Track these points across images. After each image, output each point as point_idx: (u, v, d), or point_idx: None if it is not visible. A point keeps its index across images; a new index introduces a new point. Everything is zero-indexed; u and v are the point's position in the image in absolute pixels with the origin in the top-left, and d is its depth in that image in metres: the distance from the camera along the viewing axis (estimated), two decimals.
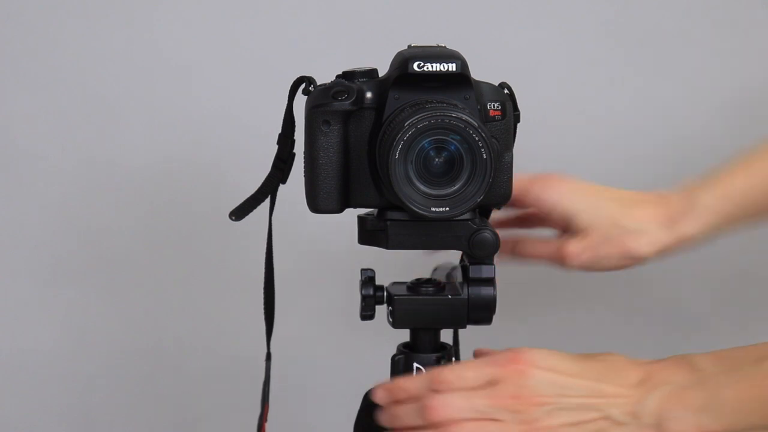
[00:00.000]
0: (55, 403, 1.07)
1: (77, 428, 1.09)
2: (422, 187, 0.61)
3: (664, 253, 0.72)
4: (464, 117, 0.58)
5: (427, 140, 0.60)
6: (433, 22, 0.98)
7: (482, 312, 0.64)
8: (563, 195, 0.72)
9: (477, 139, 0.58)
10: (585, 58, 1.08)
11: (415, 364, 0.66)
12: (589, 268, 0.72)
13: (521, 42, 1.05)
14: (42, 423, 1.09)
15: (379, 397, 0.63)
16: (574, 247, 0.71)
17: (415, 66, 0.60)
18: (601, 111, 1.11)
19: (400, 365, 0.66)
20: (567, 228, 0.73)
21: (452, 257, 0.70)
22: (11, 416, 1.09)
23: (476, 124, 0.57)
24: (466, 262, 0.65)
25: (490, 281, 0.63)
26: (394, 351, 0.68)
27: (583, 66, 1.08)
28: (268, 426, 0.71)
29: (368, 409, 0.66)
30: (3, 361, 1.07)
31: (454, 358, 0.68)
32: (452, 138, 0.59)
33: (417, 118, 0.58)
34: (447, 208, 0.60)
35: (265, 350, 0.70)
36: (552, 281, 1.12)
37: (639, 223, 0.72)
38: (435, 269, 0.71)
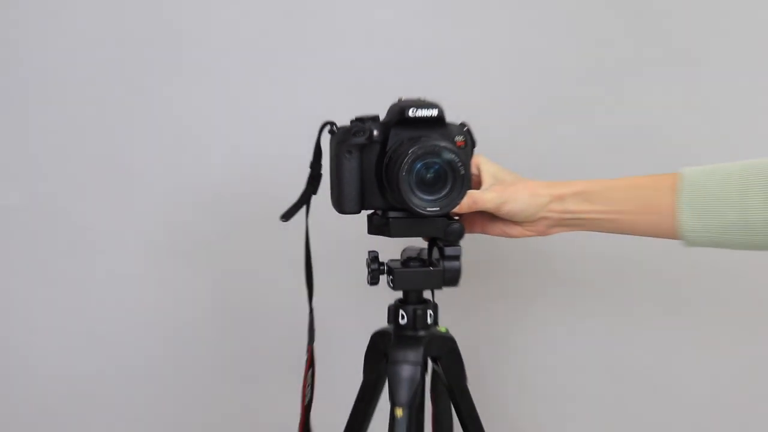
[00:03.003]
0: (155, 347, 1.38)
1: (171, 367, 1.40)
2: (420, 194, 0.81)
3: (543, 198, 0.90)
4: (447, 146, 0.80)
5: (420, 162, 0.81)
6: (410, 78, 1.22)
7: (453, 278, 0.87)
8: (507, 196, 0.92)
9: (457, 161, 0.80)
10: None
11: (401, 311, 0.88)
12: (509, 211, 0.90)
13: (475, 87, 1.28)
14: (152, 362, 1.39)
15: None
16: (491, 195, 0.89)
17: (409, 112, 0.83)
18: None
19: (392, 311, 0.89)
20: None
21: (418, 243, 0.93)
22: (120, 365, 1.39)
23: (455, 151, 0.79)
24: (440, 245, 0.87)
25: (458, 257, 0.86)
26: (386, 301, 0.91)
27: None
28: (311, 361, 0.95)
29: (374, 345, 0.91)
30: (120, 317, 1.37)
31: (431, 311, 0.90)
32: (442, 162, 0.80)
33: (417, 147, 0.79)
34: (438, 209, 0.82)
35: (308, 308, 0.92)
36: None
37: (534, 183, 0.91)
38: (404, 250, 0.92)
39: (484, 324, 1.37)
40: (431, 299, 0.93)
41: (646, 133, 1.36)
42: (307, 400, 0.94)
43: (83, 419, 1.44)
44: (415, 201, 0.81)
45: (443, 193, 0.83)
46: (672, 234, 0.86)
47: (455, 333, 0.94)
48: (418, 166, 0.81)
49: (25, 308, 1.41)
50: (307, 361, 0.94)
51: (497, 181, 0.89)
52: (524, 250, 1.36)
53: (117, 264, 1.36)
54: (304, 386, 0.95)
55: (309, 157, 0.89)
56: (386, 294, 0.91)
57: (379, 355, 0.91)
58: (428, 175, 0.82)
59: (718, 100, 1.37)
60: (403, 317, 0.88)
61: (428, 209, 0.82)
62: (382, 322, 0.94)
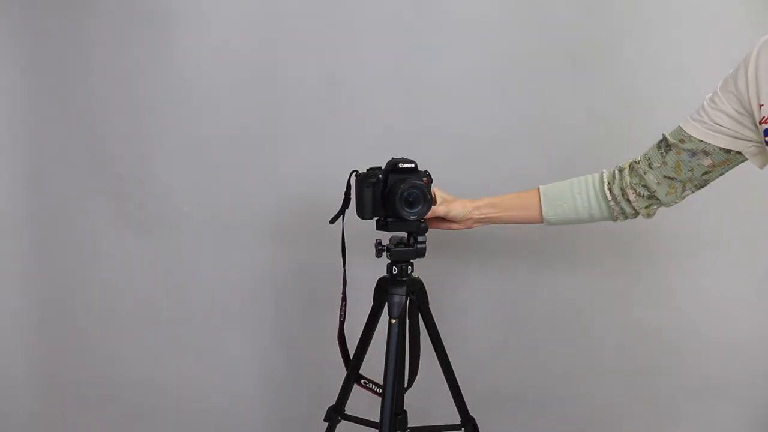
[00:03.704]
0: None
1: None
2: (406, 209, 1.40)
3: (470, 209, 1.49)
4: (420, 183, 1.40)
5: (406, 192, 1.39)
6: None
7: (421, 253, 1.46)
8: (450, 208, 1.51)
9: (426, 191, 1.40)
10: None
11: (393, 267, 1.43)
12: (452, 216, 1.48)
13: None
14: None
15: None
16: (441, 207, 1.47)
17: (399, 165, 1.43)
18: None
19: (389, 267, 1.44)
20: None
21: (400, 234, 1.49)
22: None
23: (424, 185, 1.40)
24: (415, 236, 1.45)
25: (424, 242, 1.46)
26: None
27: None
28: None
29: (378, 285, 1.48)
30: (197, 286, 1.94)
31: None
32: (417, 191, 1.39)
33: (405, 184, 1.39)
34: (416, 216, 1.40)
35: (342, 270, 1.52)
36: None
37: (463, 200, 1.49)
38: (391, 238, 1.48)
39: (436, 275, 1.74)
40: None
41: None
42: (341, 318, 1.57)
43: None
44: (404, 212, 1.41)
45: (418, 208, 1.42)
46: (539, 220, 1.49)
47: (423, 278, 1.52)
48: (405, 194, 1.41)
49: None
50: (342, 297, 1.57)
51: (444, 201, 1.50)
52: (465, 239, 1.86)
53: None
54: (339, 310, 1.56)
55: (343, 188, 1.51)
56: (385, 262, 1.51)
57: (382, 290, 1.51)
58: (410, 198, 1.42)
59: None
60: (394, 270, 1.47)
61: (410, 217, 1.42)
62: (383, 274, 1.53)
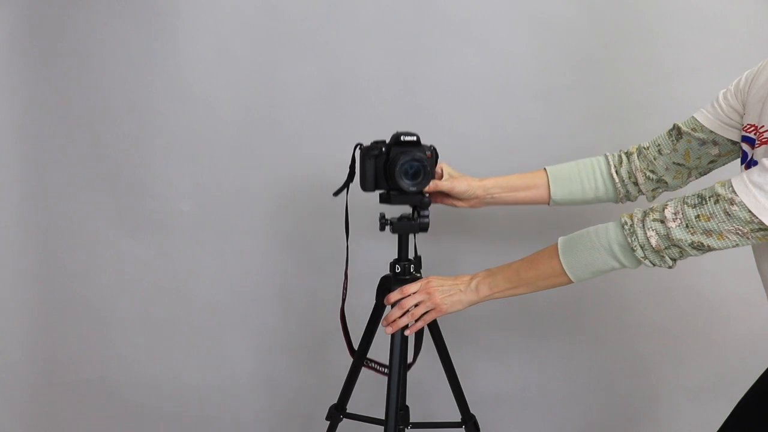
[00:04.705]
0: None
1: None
2: (406, 181, 1.37)
3: (475, 187, 1.47)
4: (421, 156, 1.37)
5: (407, 164, 1.37)
6: (401, 118, 1.78)
7: (424, 227, 1.42)
8: (454, 184, 1.48)
9: (426, 164, 1.37)
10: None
11: (396, 265, 1.42)
12: (456, 192, 1.46)
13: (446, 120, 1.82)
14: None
15: (392, 297, 1.37)
16: (446, 183, 1.45)
17: (401, 138, 1.41)
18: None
19: (392, 265, 1.43)
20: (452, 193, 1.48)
21: (405, 210, 1.44)
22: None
23: (425, 158, 1.37)
24: (418, 210, 1.41)
25: (427, 216, 1.42)
26: (393, 247, 1.47)
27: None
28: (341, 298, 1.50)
29: (381, 284, 1.48)
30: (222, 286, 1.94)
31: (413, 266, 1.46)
32: (418, 163, 1.36)
33: (405, 156, 1.36)
34: (416, 188, 1.37)
35: (345, 246, 1.48)
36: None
37: (470, 178, 1.48)
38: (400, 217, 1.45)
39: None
40: (414, 252, 1.49)
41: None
42: (343, 296, 1.53)
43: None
44: (403, 184, 1.38)
45: (418, 180, 1.39)
46: (545, 201, 1.49)
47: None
48: (406, 166, 1.38)
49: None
50: (344, 275, 1.53)
51: (450, 176, 1.49)
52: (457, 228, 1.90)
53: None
54: (343, 288, 1.53)
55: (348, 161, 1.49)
56: (387, 236, 1.46)
57: (384, 288, 1.50)
58: (411, 171, 1.39)
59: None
60: (397, 269, 1.47)
61: (410, 189, 1.39)
62: (384, 251, 1.55)
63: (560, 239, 1.28)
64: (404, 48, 1.83)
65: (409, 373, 1.58)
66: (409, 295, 1.38)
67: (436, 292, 1.36)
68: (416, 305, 1.38)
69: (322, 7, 1.82)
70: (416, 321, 1.39)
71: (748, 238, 1.12)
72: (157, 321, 1.99)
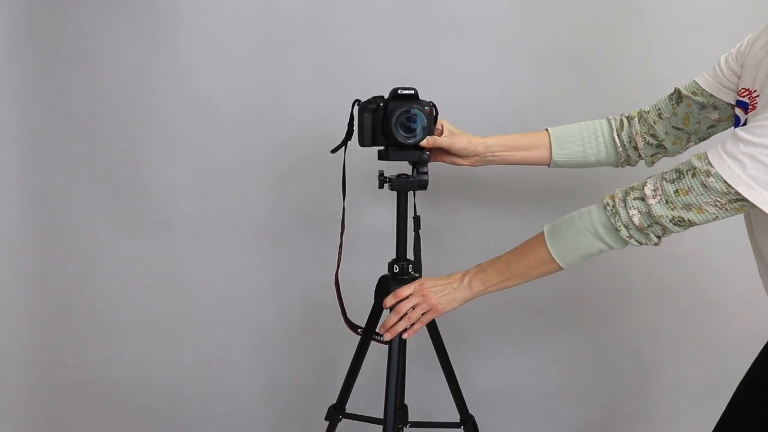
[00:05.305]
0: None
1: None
2: (403, 133, 1.36)
3: (476, 143, 1.43)
4: (419, 107, 1.36)
5: (404, 116, 1.36)
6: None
7: (423, 185, 1.38)
8: (454, 141, 1.43)
9: (424, 116, 1.36)
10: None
11: (395, 265, 1.42)
12: (455, 148, 1.41)
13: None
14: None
15: (388, 302, 1.37)
16: (445, 139, 1.41)
17: (399, 91, 1.38)
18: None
19: (390, 265, 1.44)
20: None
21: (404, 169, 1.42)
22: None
23: (423, 111, 1.35)
24: (417, 167, 1.38)
25: (426, 173, 1.38)
26: (393, 205, 1.45)
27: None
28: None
29: (379, 284, 1.47)
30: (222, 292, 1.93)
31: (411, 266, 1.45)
32: (414, 115, 1.35)
33: (402, 108, 1.35)
34: (412, 141, 1.36)
35: (342, 206, 1.45)
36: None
37: (471, 135, 1.45)
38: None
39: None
40: (414, 212, 1.44)
41: None
42: (338, 261, 1.51)
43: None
44: (400, 136, 1.38)
45: (414, 132, 1.38)
46: (546, 161, 1.48)
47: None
48: (403, 117, 1.38)
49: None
50: (339, 243, 1.51)
51: (451, 133, 1.47)
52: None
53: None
54: (338, 253, 1.51)
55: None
56: (386, 193, 1.45)
57: (382, 289, 1.50)
58: (407, 123, 1.38)
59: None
60: (396, 268, 1.46)
61: (407, 141, 1.38)
62: (383, 211, 1.62)
63: (546, 227, 1.29)
64: (404, 48, 1.83)
65: (407, 373, 1.58)
66: (405, 299, 1.38)
67: (431, 293, 1.36)
68: (413, 308, 1.38)
69: (322, 7, 1.82)
70: (414, 324, 1.38)
71: (726, 209, 1.12)
72: (157, 321, 1.99)
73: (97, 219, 1.92)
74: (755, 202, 1.07)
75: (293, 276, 1.98)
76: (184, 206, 1.92)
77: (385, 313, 1.46)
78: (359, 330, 1.55)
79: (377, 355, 1.56)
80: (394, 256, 1.50)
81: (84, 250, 1.95)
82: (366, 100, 1.42)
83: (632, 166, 1.51)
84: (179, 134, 1.89)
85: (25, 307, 1.97)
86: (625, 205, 1.18)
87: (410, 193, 1.46)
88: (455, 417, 1.65)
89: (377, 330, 1.44)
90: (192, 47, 1.83)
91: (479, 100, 1.83)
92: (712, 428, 1.38)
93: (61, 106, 1.86)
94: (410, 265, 1.47)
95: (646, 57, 1.81)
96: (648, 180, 1.18)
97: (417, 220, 1.45)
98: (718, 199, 1.11)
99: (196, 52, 1.83)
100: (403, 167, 1.46)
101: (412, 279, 1.46)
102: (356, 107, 1.44)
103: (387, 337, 1.40)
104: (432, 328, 1.53)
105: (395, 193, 1.47)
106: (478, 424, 1.67)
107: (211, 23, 1.82)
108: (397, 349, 1.43)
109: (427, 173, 1.39)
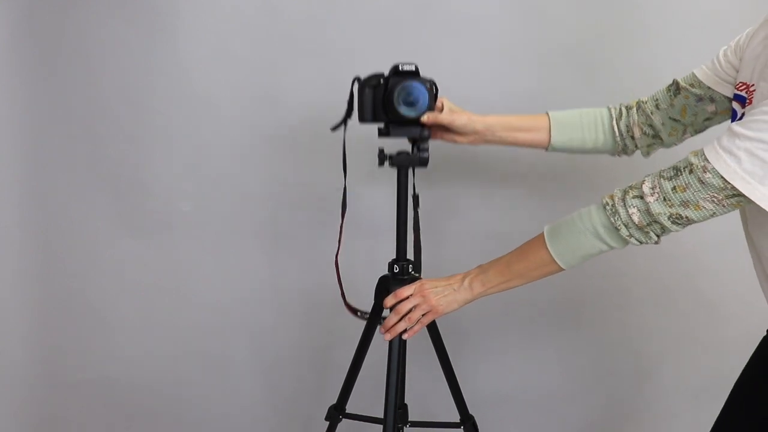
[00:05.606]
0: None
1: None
2: (404, 107, 1.36)
3: (476, 121, 1.43)
4: (420, 83, 1.35)
5: (404, 90, 1.35)
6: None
7: (423, 161, 1.39)
8: (454, 118, 1.43)
9: (424, 90, 1.35)
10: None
11: (395, 265, 1.42)
12: (455, 126, 1.41)
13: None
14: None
15: (388, 302, 1.38)
16: (446, 116, 1.41)
17: (400, 67, 1.38)
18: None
19: (390, 265, 1.45)
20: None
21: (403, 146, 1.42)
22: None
23: (425, 87, 1.35)
24: (418, 144, 1.39)
25: (427, 150, 1.39)
26: (393, 183, 1.43)
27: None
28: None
29: (380, 284, 1.47)
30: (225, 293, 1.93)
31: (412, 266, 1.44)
32: (415, 89, 1.35)
33: (403, 82, 1.35)
34: (413, 115, 1.36)
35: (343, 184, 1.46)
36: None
37: (471, 113, 1.44)
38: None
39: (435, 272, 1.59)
40: (413, 190, 1.43)
41: None
42: (338, 242, 1.51)
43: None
44: (401, 111, 1.38)
45: (416, 107, 1.39)
46: (544, 144, 1.48)
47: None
48: (403, 92, 1.38)
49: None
50: (341, 222, 1.51)
51: (451, 111, 1.45)
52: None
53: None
54: (339, 234, 1.51)
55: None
56: (387, 170, 1.44)
57: (383, 289, 1.49)
58: (408, 98, 1.38)
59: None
60: (396, 268, 1.46)
61: (408, 114, 1.38)
62: (383, 188, 1.61)
63: (546, 228, 1.29)
64: (404, 48, 1.82)
65: (407, 373, 1.58)
66: (405, 299, 1.38)
67: (431, 294, 1.36)
68: (413, 309, 1.38)
69: (322, 7, 1.82)
70: (414, 325, 1.38)
71: (723, 205, 1.12)
72: (157, 321, 1.98)
73: (97, 219, 1.92)
74: (751, 197, 1.07)
75: (293, 276, 1.97)
76: (184, 206, 1.92)
77: (385, 313, 1.46)
78: (359, 313, 1.55)
79: (377, 355, 1.56)
80: (394, 245, 1.50)
81: (84, 250, 1.95)
82: (366, 76, 1.43)
83: (628, 155, 1.51)
84: (179, 134, 1.88)
85: (25, 307, 1.97)
86: (625, 203, 1.18)
87: (410, 173, 1.47)
88: (455, 417, 1.65)
89: (378, 330, 1.44)
90: (192, 47, 1.82)
91: (479, 100, 1.80)
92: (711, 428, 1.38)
93: (61, 106, 1.86)
94: (410, 266, 1.47)
95: (646, 57, 1.81)
96: (646, 178, 1.18)
97: (416, 198, 1.45)
98: (715, 195, 1.11)
99: (196, 52, 1.83)
100: (403, 146, 1.47)
101: (413, 279, 1.46)
102: (356, 84, 1.45)
103: (387, 337, 1.40)
104: (432, 328, 1.53)
105: (394, 178, 1.46)
106: (478, 424, 1.67)
107: (211, 23, 1.81)
108: (397, 349, 1.43)
109: (427, 150, 1.40)
